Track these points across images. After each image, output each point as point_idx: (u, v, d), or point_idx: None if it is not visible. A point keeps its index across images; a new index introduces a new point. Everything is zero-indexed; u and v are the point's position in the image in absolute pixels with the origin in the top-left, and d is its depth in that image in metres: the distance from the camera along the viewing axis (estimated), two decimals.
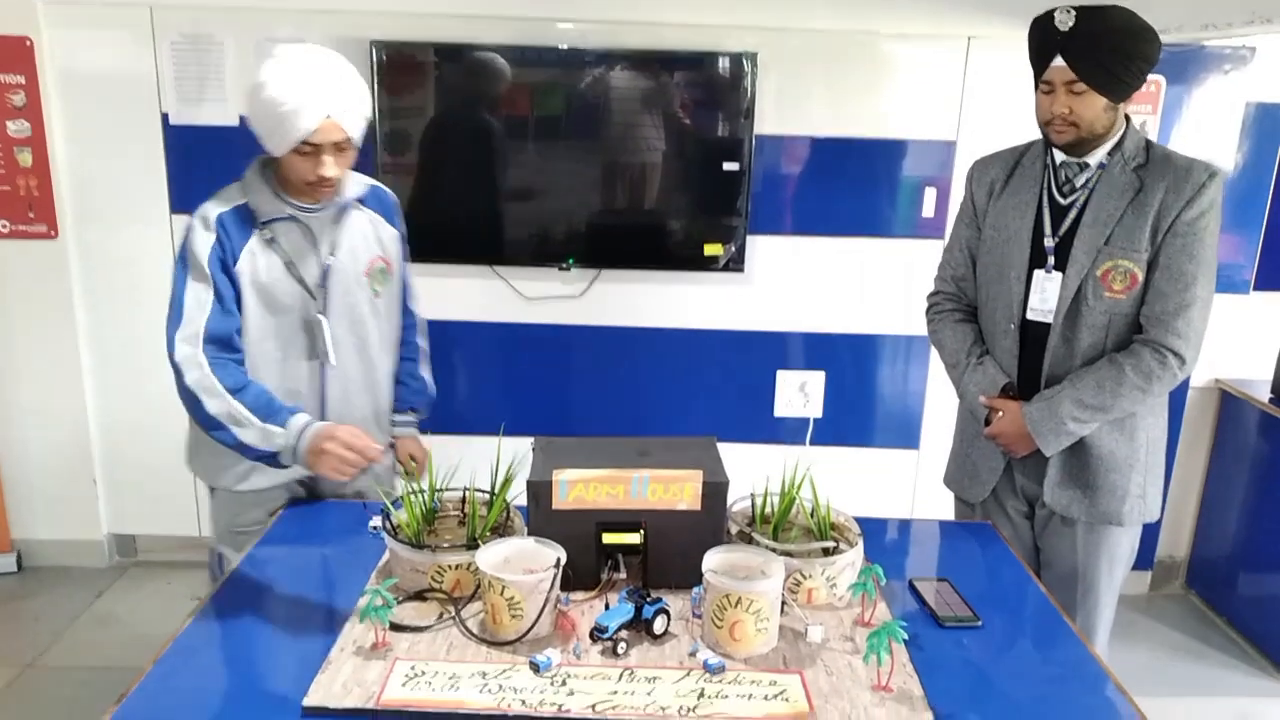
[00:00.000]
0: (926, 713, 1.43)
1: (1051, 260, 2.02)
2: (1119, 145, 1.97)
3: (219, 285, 1.83)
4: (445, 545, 1.72)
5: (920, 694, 1.47)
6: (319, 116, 1.76)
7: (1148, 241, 1.93)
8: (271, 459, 1.80)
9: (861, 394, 3.21)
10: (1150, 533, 2.21)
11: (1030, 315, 2.06)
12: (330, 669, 1.48)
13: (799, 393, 3.18)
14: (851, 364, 3.19)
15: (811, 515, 1.85)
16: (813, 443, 3.21)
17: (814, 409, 3.20)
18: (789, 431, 3.23)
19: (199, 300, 1.82)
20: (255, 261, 1.88)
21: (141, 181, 3.04)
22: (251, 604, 1.69)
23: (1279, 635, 3.11)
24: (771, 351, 3.17)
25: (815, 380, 3.18)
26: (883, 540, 2.03)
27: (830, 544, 1.76)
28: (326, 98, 1.77)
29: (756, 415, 3.22)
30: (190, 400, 1.81)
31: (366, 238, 2.05)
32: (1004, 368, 2.12)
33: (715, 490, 1.71)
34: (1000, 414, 2.10)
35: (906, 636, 1.46)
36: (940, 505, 3.24)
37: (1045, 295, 2.04)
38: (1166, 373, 1.95)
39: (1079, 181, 2.00)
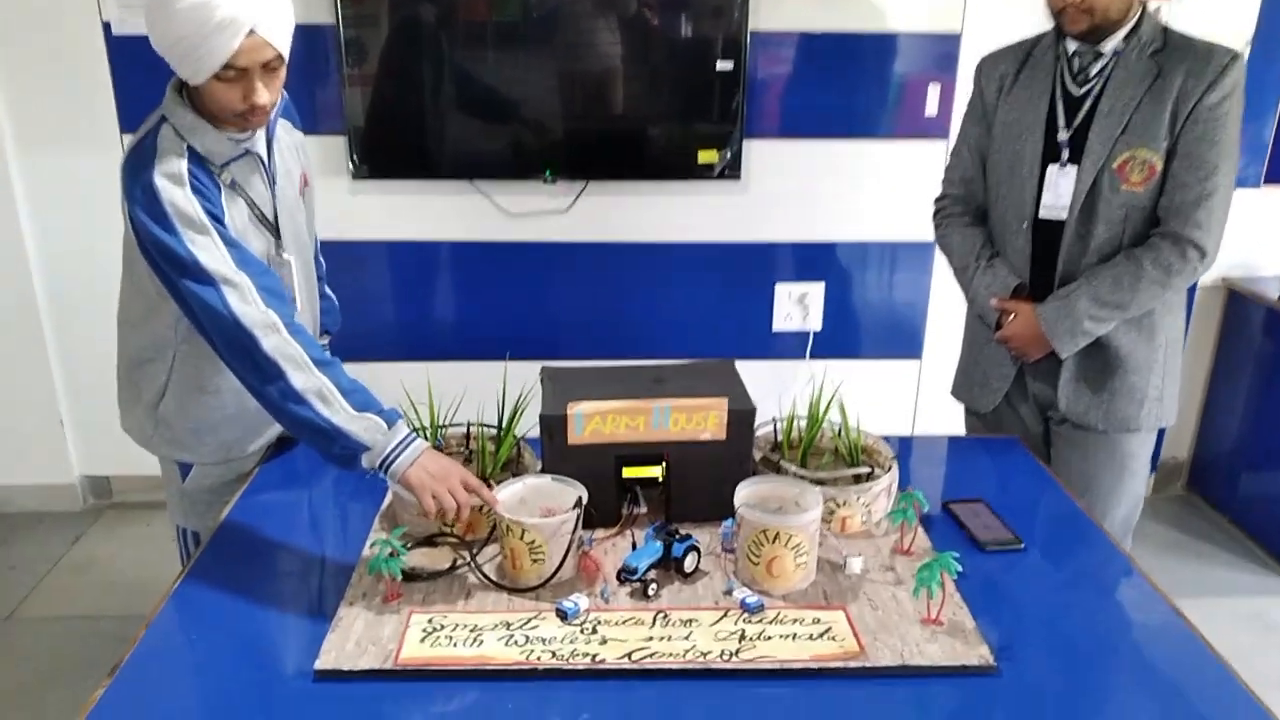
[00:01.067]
0: (981, 645, 1.35)
1: (1066, 154, 1.92)
2: (1135, 31, 1.87)
3: (226, 236, 1.52)
4: None
5: (972, 626, 1.39)
6: (240, 34, 1.42)
7: (1166, 130, 1.84)
8: (350, 458, 1.49)
9: (862, 304, 3.10)
10: None
11: (1043, 213, 1.96)
12: (341, 627, 1.37)
13: (798, 305, 3.06)
14: (852, 273, 3.06)
15: (839, 437, 1.74)
16: (812, 356, 3.11)
17: (814, 322, 3.08)
18: (788, 346, 3.12)
19: (223, 256, 1.50)
20: (231, 215, 1.59)
21: (87, 100, 2.79)
22: (245, 559, 1.56)
23: None
24: (769, 263, 3.03)
25: (815, 292, 3.05)
26: (906, 460, 1.93)
27: (863, 469, 1.66)
28: (245, 9, 1.41)
29: (754, 330, 3.09)
30: (271, 374, 1.48)
31: (290, 152, 1.79)
32: (1016, 269, 2.02)
33: (741, 418, 1.60)
34: (1012, 316, 2.01)
35: (960, 569, 1.37)
36: (944, 415, 3.16)
37: (1059, 191, 1.94)
38: (1186, 266, 1.86)
39: (1093, 70, 1.90)
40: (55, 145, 2.86)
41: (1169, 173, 1.85)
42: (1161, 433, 3.22)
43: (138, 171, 1.50)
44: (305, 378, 1.48)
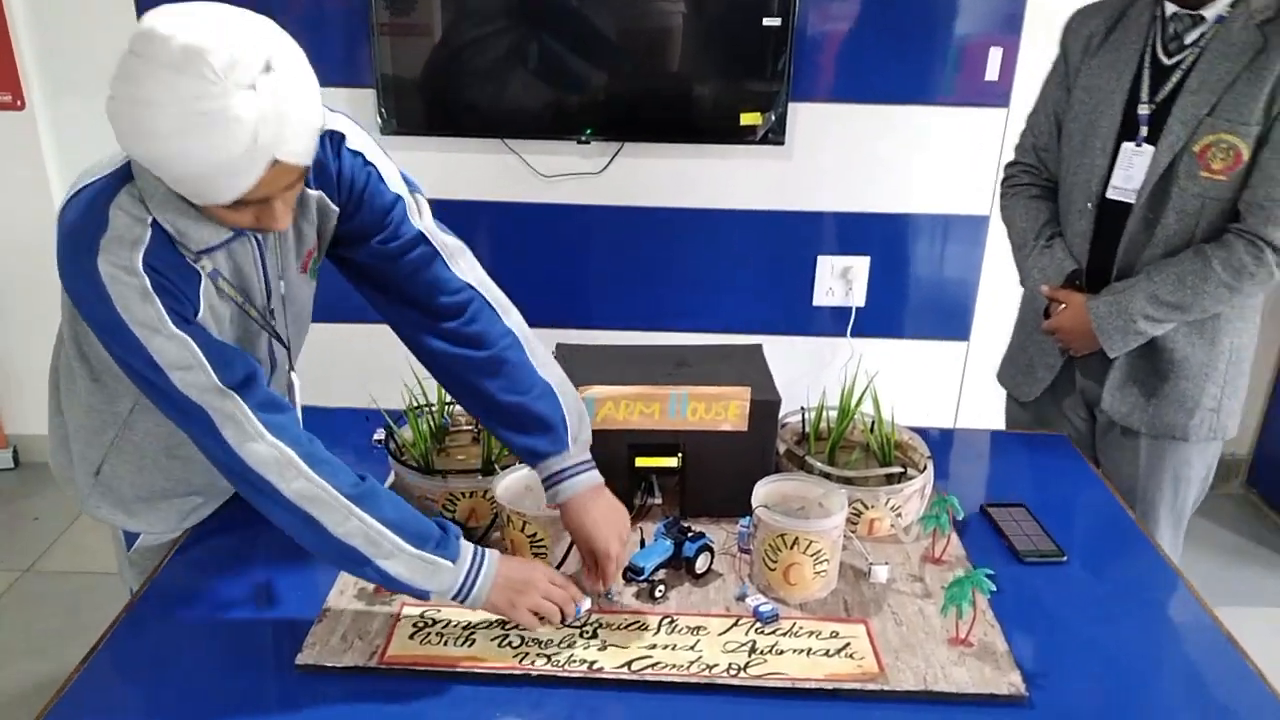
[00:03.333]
0: (1013, 671, 1.24)
1: (1144, 131, 1.73)
2: None
3: (198, 338, 1.14)
4: (457, 470, 1.51)
5: (1004, 649, 1.28)
6: (261, 167, 1.01)
7: (1261, 113, 1.63)
8: (418, 596, 1.25)
9: (908, 281, 2.94)
10: None
11: (1111, 194, 1.78)
12: (328, 619, 1.30)
13: (841, 279, 2.91)
14: (899, 248, 2.91)
15: (871, 431, 1.63)
16: (854, 334, 2.97)
17: (856, 297, 2.93)
18: (828, 322, 2.98)
19: (206, 373, 1.13)
20: (213, 313, 1.20)
21: (111, 47, 2.72)
22: (231, 545, 1.48)
23: None
24: (812, 234, 2.88)
25: (860, 266, 2.90)
26: (945, 455, 1.81)
27: (896, 469, 1.54)
28: (269, 135, 0.99)
29: (793, 304, 2.95)
30: (299, 522, 1.17)
31: (303, 215, 1.29)
32: (1074, 253, 1.86)
33: (765, 410, 1.49)
34: (1062, 306, 1.85)
35: (994, 588, 1.26)
36: (990, 403, 3.01)
37: (1131, 172, 1.75)
38: (1261, 270, 1.66)
39: (1189, 38, 1.70)
40: (80, 90, 2.80)
41: (1256, 162, 1.65)
42: None
43: (77, 250, 1.09)
44: (344, 523, 1.18)
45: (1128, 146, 1.75)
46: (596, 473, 1.35)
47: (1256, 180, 1.65)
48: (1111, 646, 1.31)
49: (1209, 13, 1.67)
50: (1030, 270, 1.92)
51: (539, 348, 1.38)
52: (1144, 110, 1.74)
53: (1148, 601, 1.44)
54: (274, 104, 0.99)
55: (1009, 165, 2.03)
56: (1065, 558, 1.50)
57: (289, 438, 1.17)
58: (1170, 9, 1.71)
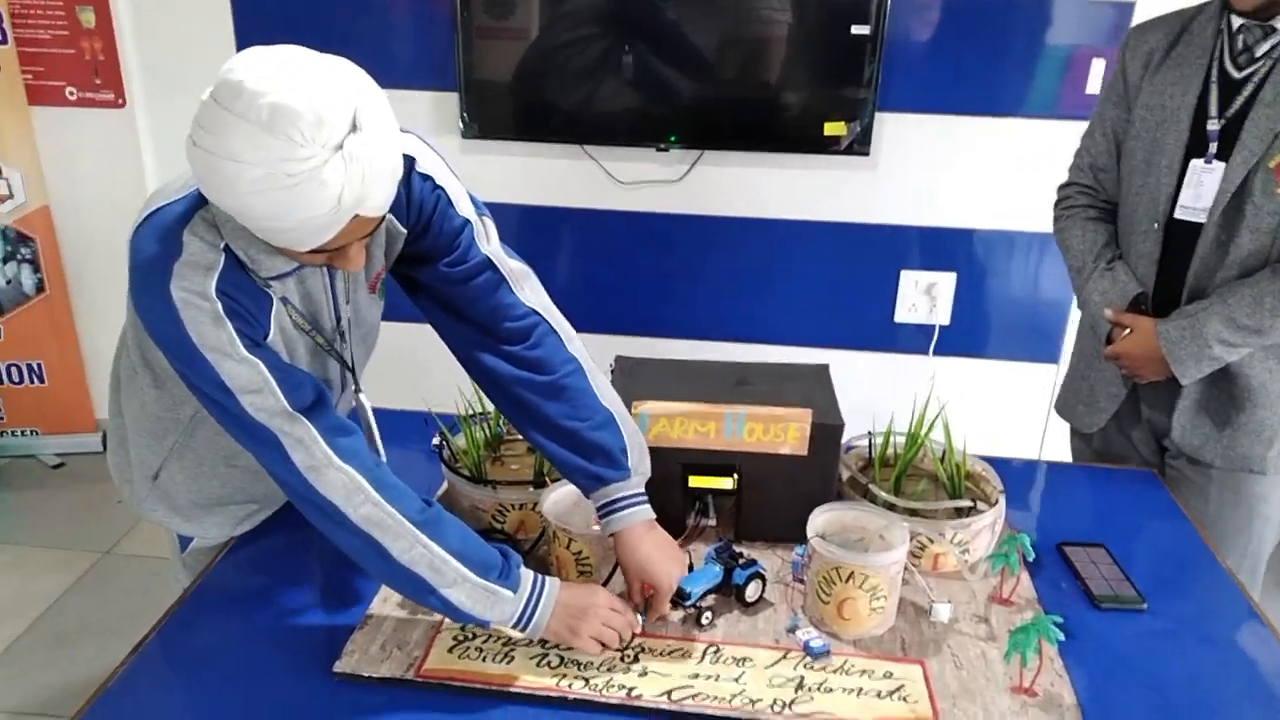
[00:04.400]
0: None
1: (1214, 148, 1.63)
2: None
3: (270, 362, 1.13)
4: (508, 481, 1.49)
5: (1072, 701, 1.20)
6: (342, 222, 1.02)
7: None
8: (480, 623, 1.22)
9: (996, 299, 2.82)
10: None
11: (1179, 214, 1.68)
12: (369, 627, 1.29)
13: (925, 296, 2.81)
14: (987, 265, 2.79)
15: (942, 461, 1.55)
16: (936, 353, 2.87)
17: (941, 315, 2.83)
18: (910, 339, 2.88)
19: (276, 398, 1.12)
20: (283, 336, 1.21)
21: (209, 48, 2.80)
22: (282, 543, 1.49)
23: None
24: (896, 248, 2.79)
25: (945, 282, 2.80)
26: (1023, 488, 1.72)
27: (965, 503, 1.46)
28: (353, 192, 0.99)
29: (874, 320, 2.86)
30: (365, 547, 1.16)
31: (370, 246, 1.26)
32: (1139, 275, 1.75)
33: (827, 434, 1.43)
34: (1127, 331, 1.74)
35: (1062, 637, 1.17)
36: None
37: (1201, 191, 1.65)
38: None
39: (1260, 50, 1.60)
40: (177, 89, 2.89)
41: None
42: None
43: (150, 274, 1.09)
44: (409, 550, 1.16)
45: (1196, 164, 1.66)
46: (650, 509, 1.32)
47: None
48: (1187, 705, 1.22)
49: None
50: (1090, 294, 1.82)
51: (600, 376, 1.36)
52: (1213, 126, 1.64)
53: (1231, 657, 1.33)
54: (360, 165, 0.98)
55: (1062, 187, 1.93)
56: (1145, 605, 1.40)
57: (358, 463, 1.16)
58: (1238, 21, 1.61)
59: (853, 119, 2.64)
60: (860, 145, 2.66)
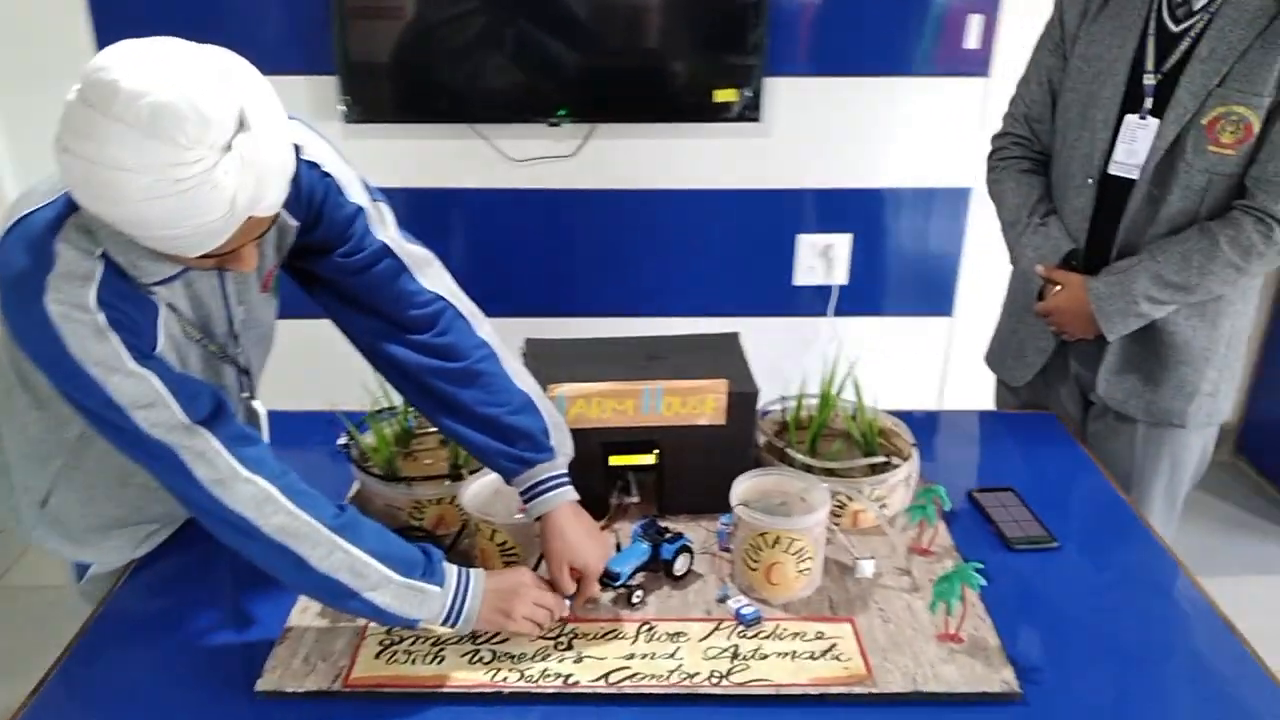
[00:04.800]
0: (1005, 667, 1.20)
1: (1149, 103, 1.64)
2: None
3: (162, 374, 1.06)
4: (423, 477, 1.45)
5: (996, 643, 1.23)
6: (236, 224, 0.96)
7: (1275, 84, 1.53)
8: (406, 626, 1.19)
9: (891, 257, 2.87)
10: None
11: (1113, 169, 1.69)
12: (289, 640, 1.24)
13: (821, 258, 2.85)
14: (880, 223, 2.83)
15: (854, 419, 1.57)
16: (836, 313, 2.91)
17: (839, 275, 2.87)
18: (809, 301, 2.91)
19: (171, 410, 1.05)
20: (172, 344, 1.14)
21: (63, 37, 2.61)
22: (187, 560, 1.41)
23: None
24: (792, 212, 2.81)
25: (841, 243, 2.83)
26: (929, 439, 1.76)
27: (880, 459, 1.49)
28: (247, 194, 0.94)
29: (774, 285, 2.88)
30: (280, 558, 1.10)
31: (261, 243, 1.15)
32: (1071, 231, 1.76)
33: (743, 401, 1.43)
34: (1058, 288, 1.77)
35: (984, 583, 1.21)
36: (976, 379, 2.96)
37: (1135, 146, 1.65)
38: (1270, 249, 1.58)
39: (1198, 3, 1.60)
40: (27, 83, 2.70)
41: (1266, 136, 1.56)
42: None
43: (21, 289, 1.00)
44: (328, 556, 1.11)
45: (1131, 119, 1.66)
46: (573, 489, 1.30)
47: (1265, 155, 1.57)
48: (1106, 637, 1.27)
49: None
50: (1024, 249, 1.83)
51: (512, 359, 1.33)
52: (1149, 81, 1.64)
53: (1143, 587, 1.40)
54: (252, 165, 0.92)
55: (997, 136, 1.92)
56: (1057, 544, 1.45)
57: (266, 472, 1.10)
58: None
59: (742, 85, 2.64)
60: (751, 111, 2.66)
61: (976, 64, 2.66)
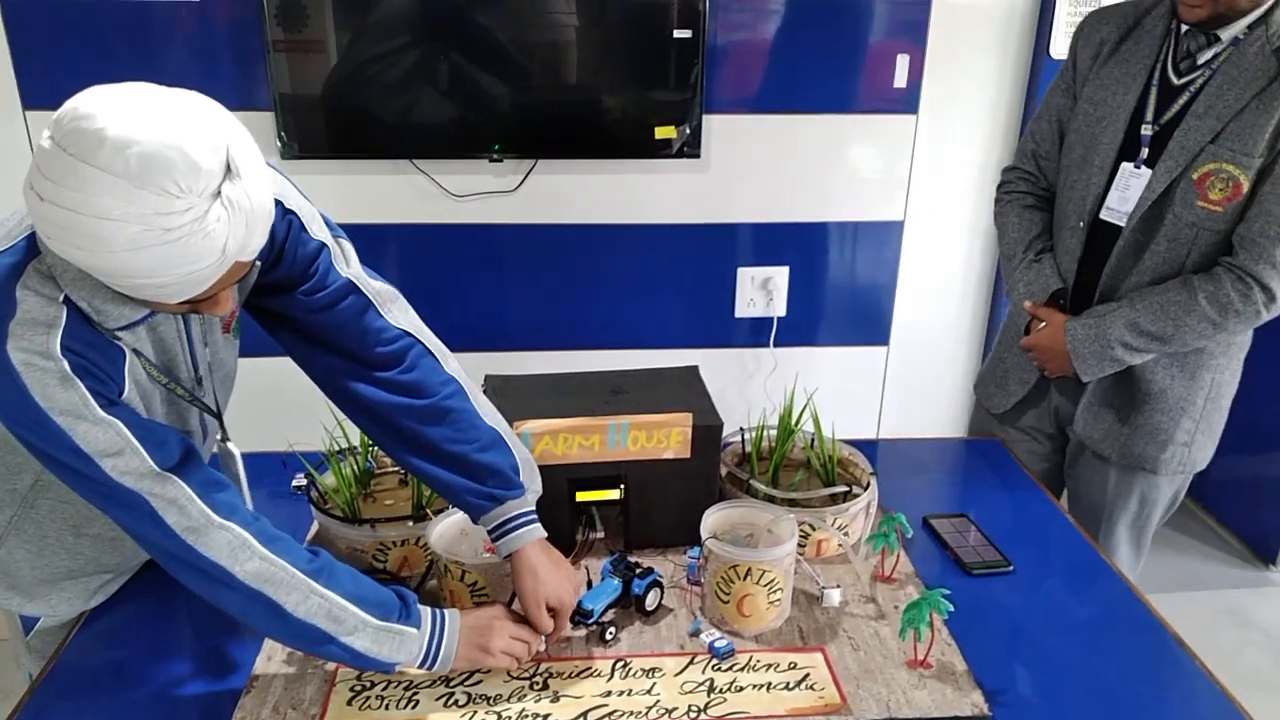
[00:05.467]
0: (974, 690, 1.23)
1: (1145, 152, 1.65)
2: (1265, 18, 1.56)
3: (129, 421, 1.04)
4: (386, 517, 1.42)
5: (964, 668, 1.26)
6: (222, 273, 0.96)
7: (1267, 144, 1.54)
8: (386, 668, 1.17)
9: (828, 289, 2.94)
10: None
11: (1104, 215, 1.71)
12: (257, 689, 1.20)
13: (761, 290, 2.90)
14: (817, 256, 2.90)
15: (811, 447, 1.60)
16: (776, 344, 2.96)
17: (777, 308, 2.92)
18: (750, 333, 2.96)
19: (140, 457, 1.03)
20: (139, 389, 1.11)
21: None
22: (144, 606, 1.36)
23: (1258, 523, 3.04)
24: (731, 246, 2.86)
25: (779, 276, 2.89)
26: (883, 465, 1.79)
27: (841, 488, 1.52)
28: (235, 249, 0.94)
29: (716, 317, 2.92)
30: (255, 605, 1.08)
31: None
32: (1062, 271, 1.78)
33: (708, 435, 1.45)
34: (1043, 324, 1.79)
35: (952, 608, 1.24)
36: (911, 406, 3.05)
37: (1127, 194, 1.67)
38: (1248, 308, 1.59)
39: (1202, 59, 1.61)
40: None
41: (1255, 196, 1.57)
42: None
43: None
44: (304, 602, 1.09)
45: (1126, 167, 1.68)
46: (541, 527, 1.29)
47: (1253, 214, 1.57)
48: (1066, 657, 1.31)
49: (1225, 34, 1.58)
50: (1016, 284, 1.85)
51: (480, 395, 1.32)
52: (1146, 131, 1.66)
53: (1095, 607, 1.44)
54: (241, 210, 0.92)
55: (1006, 170, 1.95)
56: (1012, 567, 1.49)
57: (239, 519, 1.08)
58: (1185, 25, 1.62)
59: (681, 122, 2.69)
60: (690, 148, 2.70)
61: (905, 102, 2.76)
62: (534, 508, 1.30)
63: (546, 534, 1.30)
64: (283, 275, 1.20)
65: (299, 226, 1.19)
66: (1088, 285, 1.76)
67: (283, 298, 1.22)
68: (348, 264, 1.24)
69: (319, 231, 1.22)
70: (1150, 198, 1.64)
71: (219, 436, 1.29)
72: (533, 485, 1.31)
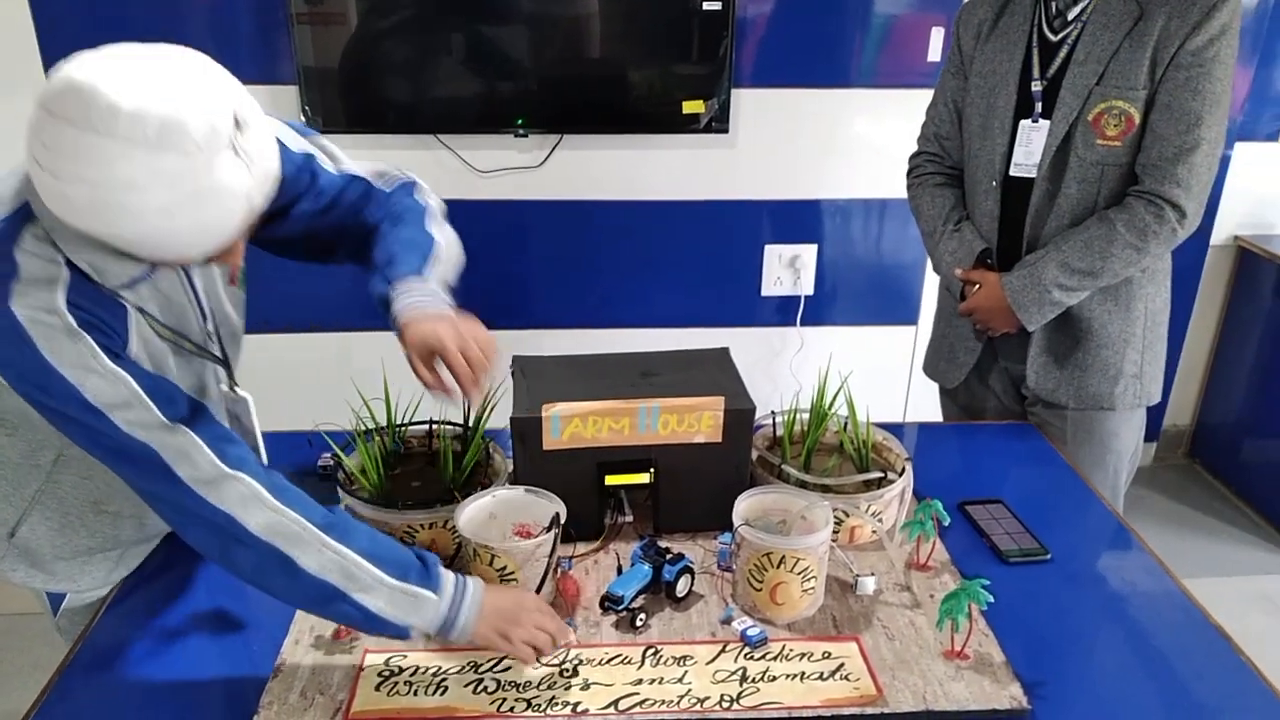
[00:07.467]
0: (1013, 683, 1.20)
1: (1039, 107, 1.75)
2: None
3: (136, 374, 1.03)
4: (414, 499, 1.40)
5: (1002, 659, 1.23)
6: (250, 221, 0.98)
7: (1146, 77, 1.65)
8: (399, 635, 1.14)
9: (856, 267, 2.90)
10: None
11: (1014, 171, 1.80)
12: (284, 674, 1.19)
13: (788, 268, 2.86)
14: (846, 234, 2.86)
15: (846, 432, 1.57)
16: (802, 323, 2.92)
17: (805, 286, 2.88)
18: (777, 312, 2.92)
19: (148, 409, 1.02)
20: (147, 348, 1.09)
21: (7, 48, 2.51)
22: (170, 587, 1.35)
23: None
24: (759, 223, 2.82)
25: (807, 254, 2.85)
26: (912, 450, 1.76)
27: (875, 474, 1.49)
28: (261, 200, 0.97)
29: (742, 295, 2.89)
30: (266, 560, 1.06)
31: None
32: (983, 232, 1.86)
33: (739, 419, 1.42)
34: (977, 287, 1.85)
35: (992, 599, 1.21)
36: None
37: (1031, 148, 1.77)
38: (1164, 228, 1.68)
39: (1071, 14, 1.72)
40: None
41: (1147, 125, 1.68)
42: (1162, 406, 3.08)
43: None
44: (317, 556, 1.07)
45: (1025, 123, 1.77)
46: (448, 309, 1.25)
47: (1149, 142, 1.68)
48: (1105, 648, 1.28)
49: None
50: (941, 255, 1.92)
51: (443, 223, 1.37)
52: (1036, 87, 1.76)
53: (1134, 596, 1.41)
54: (256, 159, 0.93)
55: (913, 156, 2.05)
56: (1049, 555, 1.46)
57: (250, 470, 1.07)
58: None
59: (710, 97, 2.64)
60: (719, 123, 2.66)
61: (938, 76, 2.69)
62: (445, 296, 1.27)
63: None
64: (280, 200, 1.17)
65: (282, 145, 1.16)
66: (1012, 241, 1.84)
67: (284, 222, 1.23)
68: (335, 160, 1.28)
69: (298, 143, 1.23)
70: (1054, 144, 1.73)
71: (224, 387, 1.28)
72: (439, 273, 1.29)
